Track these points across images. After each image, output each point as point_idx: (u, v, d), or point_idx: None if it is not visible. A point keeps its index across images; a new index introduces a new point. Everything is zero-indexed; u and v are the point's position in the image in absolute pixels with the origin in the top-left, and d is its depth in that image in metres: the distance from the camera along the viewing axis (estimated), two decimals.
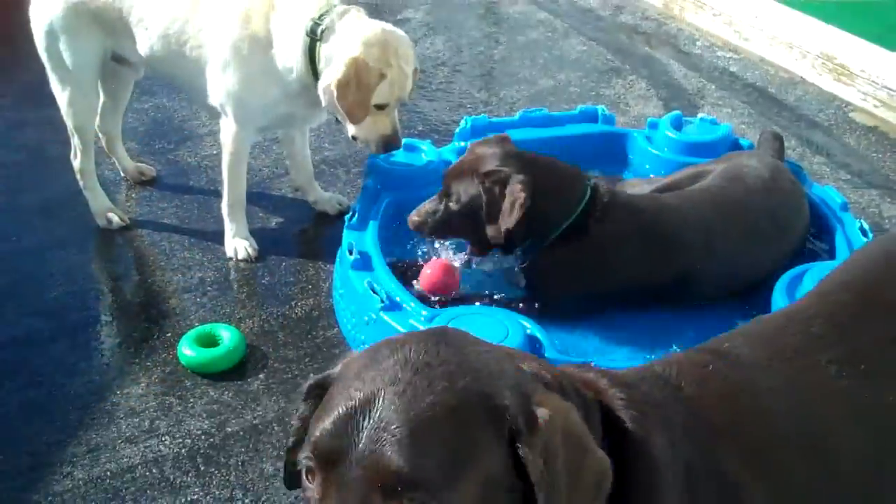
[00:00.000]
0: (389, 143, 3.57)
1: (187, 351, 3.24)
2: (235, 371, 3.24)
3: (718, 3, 5.92)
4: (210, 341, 3.30)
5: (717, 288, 3.35)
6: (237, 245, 3.84)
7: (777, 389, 1.71)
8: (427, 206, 3.39)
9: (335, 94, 3.36)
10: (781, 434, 1.66)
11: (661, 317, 3.32)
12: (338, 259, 3.54)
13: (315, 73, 3.47)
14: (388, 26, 3.51)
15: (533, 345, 2.92)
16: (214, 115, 3.82)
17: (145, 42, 3.66)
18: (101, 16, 3.66)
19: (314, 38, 3.42)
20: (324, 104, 3.52)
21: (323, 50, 3.42)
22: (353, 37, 3.39)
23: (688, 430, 1.55)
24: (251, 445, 2.95)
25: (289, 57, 3.48)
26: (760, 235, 3.38)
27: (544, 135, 4.16)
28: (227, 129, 3.69)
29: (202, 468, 2.87)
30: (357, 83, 3.34)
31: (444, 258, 3.47)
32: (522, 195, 3.13)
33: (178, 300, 3.62)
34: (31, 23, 3.73)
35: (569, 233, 3.28)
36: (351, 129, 3.53)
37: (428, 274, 3.37)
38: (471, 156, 3.36)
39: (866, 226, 3.47)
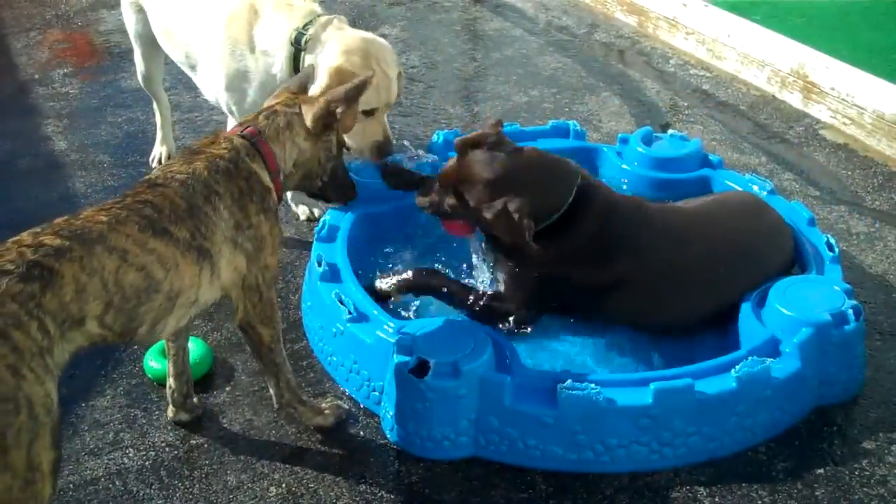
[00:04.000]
0: (382, 149, 3.58)
1: (153, 363, 3.22)
2: (201, 383, 3.22)
3: (692, 21, 5.97)
4: None
5: (674, 307, 3.29)
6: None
7: None
8: (434, 196, 3.25)
9: None
10: None
11: (639, 337, 3.31)
12: (307, 271, 3.53)
13: None
14: (369, 35, 3.59)
15: (501, 356, 2.92)
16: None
17: (156, 25, 4.00)
18: None
19: (298, 47, 3.47)
20: None
21: (307, 60, 3.47)
22: (334, 47, 3.44)
23: None
24: (216, 458, 2.93)
25: (272, 64, 3.53)
26: (734, 261, 3.30)
27: None
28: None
29: (166, 480, 2.85)
30: None
31: None
32: (525, 221, 3.03)
33: None
34: None
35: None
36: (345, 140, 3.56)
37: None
38: (473, 165, 3.17)
39: (833, 241, 3.47)
